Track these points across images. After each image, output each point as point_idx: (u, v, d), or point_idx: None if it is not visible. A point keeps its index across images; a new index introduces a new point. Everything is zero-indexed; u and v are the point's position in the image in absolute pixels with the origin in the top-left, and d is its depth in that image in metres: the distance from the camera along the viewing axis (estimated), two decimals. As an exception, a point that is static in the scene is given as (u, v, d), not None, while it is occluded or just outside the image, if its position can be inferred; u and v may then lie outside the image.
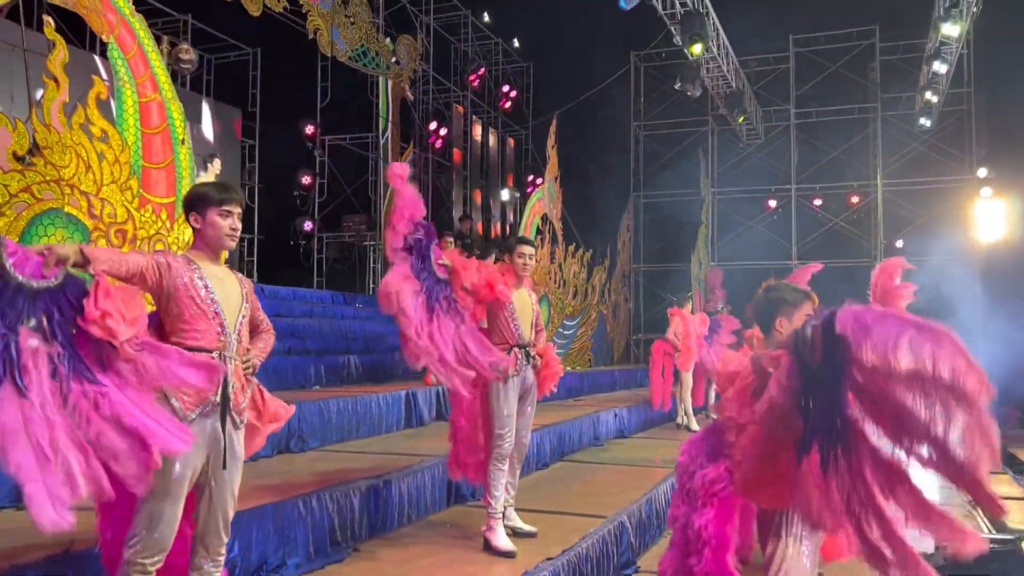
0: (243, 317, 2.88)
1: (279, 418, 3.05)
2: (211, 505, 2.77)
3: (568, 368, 12.82)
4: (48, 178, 5.13)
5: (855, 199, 19.26)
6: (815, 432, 2.17)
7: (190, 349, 2.68)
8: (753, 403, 2.50)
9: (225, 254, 2.94)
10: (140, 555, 2.60)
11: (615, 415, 9.03)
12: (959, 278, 17.22)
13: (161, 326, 2.76)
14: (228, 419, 2.75)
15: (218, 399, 2.72)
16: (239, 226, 2.89)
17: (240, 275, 3.01)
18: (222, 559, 2.84)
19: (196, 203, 2.84)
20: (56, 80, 5.26)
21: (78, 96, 5.47)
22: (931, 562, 2.20)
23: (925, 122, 17.46)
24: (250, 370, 2.87)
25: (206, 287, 2.75)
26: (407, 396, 7.14)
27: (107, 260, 2.55)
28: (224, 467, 2.75)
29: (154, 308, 2.78)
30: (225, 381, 2.73)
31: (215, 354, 2.73)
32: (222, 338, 2.76)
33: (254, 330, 3.01)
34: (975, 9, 12.30)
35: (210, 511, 2.77)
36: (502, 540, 4.26)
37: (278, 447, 5.62)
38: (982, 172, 17.45)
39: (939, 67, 14.62)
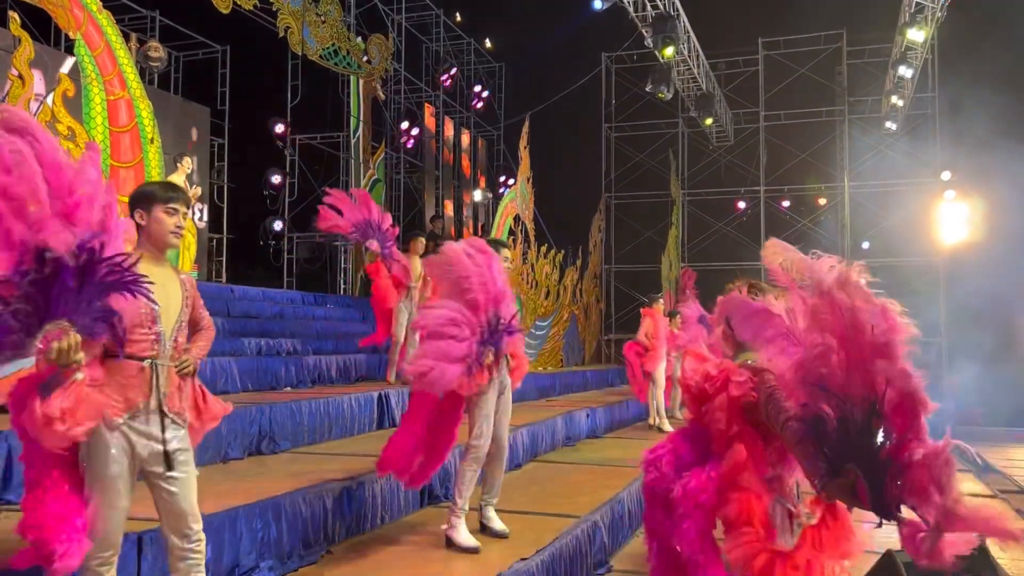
0: (181, 323, 2.89)
1: (217, 417, 3.08)
2: (171, 501, 2.80)
3: (540, 369, 12.84)
4: (13, 177, 5.04)
5: (822, 201, 19.53)
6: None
7: (125, 356, 2.67)
8: (745, 415, 2.55)
9: (167, 254, 2.96)
10: (91, 558, 2.63)
11: (587, 415, 9.06)
12: (923, 279, 17.59)
13: None
14: (166, 421, 2.78)
15: (153, 403, 2.75)
16: (184, 225, 2.93)
17: (184, 276, 3.02)
18: (200, 544, 2.84)
19: (141, 200, 2.85)
20: (22, 76, 5.18)
21: (44, 93, 5.39)
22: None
23: (891, 125, 17.74)
24: (189, 371, 2.90)
25: (147, 297, 2.67)
26: (379, 397, 7.11)
27: None
28: (172, 468, 2.77)
29: None
30: (157, 386, 2.76)
31: (147, 362, 2.75)
32: (156, 346, 2.78)
33: (194, 327, 3.03)
34: (940, 15, 12.54)
35: (172, 506, 2.80)
36: (465, 536, 4.26)
37: (249, 449, 5.55)
38: (946, 175, 17.78)
39: (904, 72, 14.90)
